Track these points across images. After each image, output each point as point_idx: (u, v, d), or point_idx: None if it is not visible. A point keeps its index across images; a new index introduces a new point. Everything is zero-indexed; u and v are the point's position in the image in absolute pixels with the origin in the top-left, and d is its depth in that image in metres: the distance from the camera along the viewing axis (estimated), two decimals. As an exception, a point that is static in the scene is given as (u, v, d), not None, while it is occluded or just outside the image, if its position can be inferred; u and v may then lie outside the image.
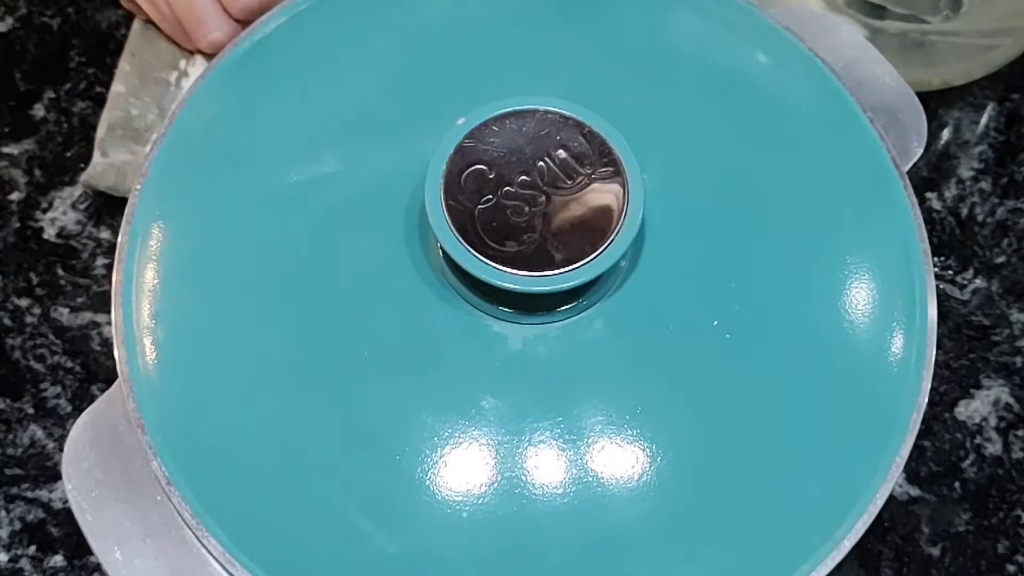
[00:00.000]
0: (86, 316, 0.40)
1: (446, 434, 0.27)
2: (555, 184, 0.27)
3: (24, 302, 0.40)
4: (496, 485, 0.27)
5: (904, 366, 0.29)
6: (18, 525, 0.37)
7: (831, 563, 0.27)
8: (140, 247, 0.29)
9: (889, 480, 0.27)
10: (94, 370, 0.39)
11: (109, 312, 0.29)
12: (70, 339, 0.40)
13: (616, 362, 0.28)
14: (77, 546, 0.36)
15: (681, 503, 0.27)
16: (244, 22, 0.38)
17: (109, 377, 0.38)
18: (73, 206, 0.42)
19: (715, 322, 0.28)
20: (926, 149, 0.35)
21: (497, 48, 0.32)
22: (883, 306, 0.29)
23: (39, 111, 0.44)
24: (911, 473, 0.38)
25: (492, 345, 0.28)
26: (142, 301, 0.28)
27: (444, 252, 0.27)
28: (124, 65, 0.41)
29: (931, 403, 0.39)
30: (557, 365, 0.28)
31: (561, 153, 0.28)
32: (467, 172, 0.27)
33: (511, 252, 0.27)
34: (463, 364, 0.28)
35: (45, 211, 0.42)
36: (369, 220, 0.29)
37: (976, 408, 0.40)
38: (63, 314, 0.40)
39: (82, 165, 0.42)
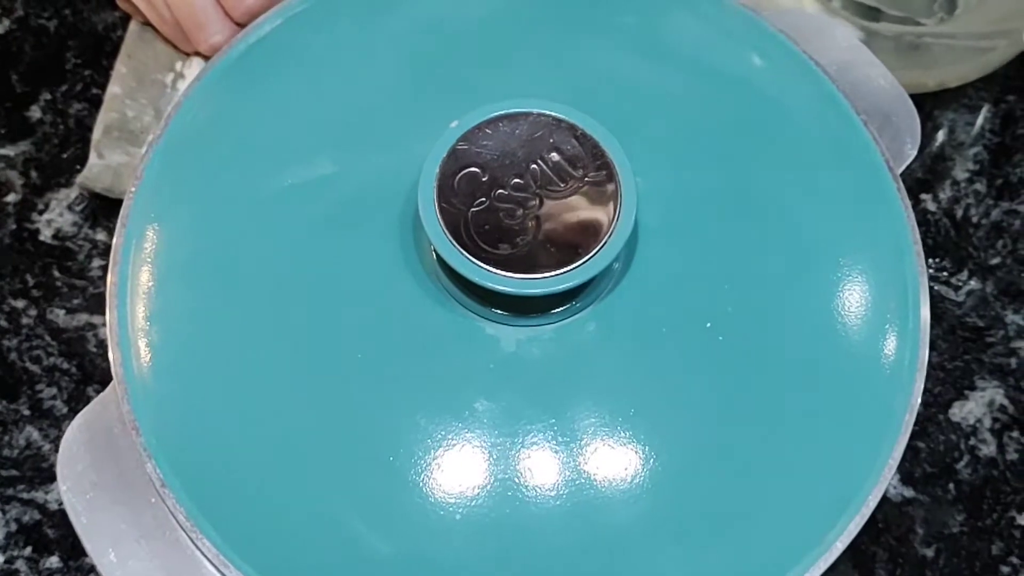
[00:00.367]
0: (82, 318, 0.40)
1: (440, 436, 0.27)
2: (548, 187, 0.27)
3: (20, 303, 0.40)
4: (490, 487, 0.27)
5: (897, 367, 0.29)
6: (14, 527, 0.37)
7: (824, 564, 0.27)
8: (135, 249, 0.29)
9: (882, 481, 0.27)
10: (90, 372, 0.39)
11: (105, 314, 0.29)
12: (66, 341, 0.40)
13: (610, 364, 0.28)
14: (73, 548, 0.36)
15: (674, 505, 0.27)
16: (245, 26, 0.38)
17: (105, 379, 0.38)
18: (69, 208, 0.42)
19: (708, 324, 0.28)
20: (921, 150, 0.35)
21: (491, 51, 0.32)
22: (876, 307, 0.29)
23: (35, 113, 0.44)
24: (905, 474, 0.38)
25: (485, 347, 0.28)
26: (137, 303, 0.28)
27: (437, 254, 0.27)
28: (120, 67, 0.41)
29: (926, 404, 0.39)
30: (551, 367, 0.28)
31: (554, 156, 0.28)
32: (460, 175, 0.27)
33: (504, 254, 0.27)
34: (456, 366, 0.28)
35: (41, 213, 0.42)
36: (363, 222, 0.29)
37: (971, 409, 0.40)
38: (59, 316, 0.40)
39: (78, 167, 0.42)
